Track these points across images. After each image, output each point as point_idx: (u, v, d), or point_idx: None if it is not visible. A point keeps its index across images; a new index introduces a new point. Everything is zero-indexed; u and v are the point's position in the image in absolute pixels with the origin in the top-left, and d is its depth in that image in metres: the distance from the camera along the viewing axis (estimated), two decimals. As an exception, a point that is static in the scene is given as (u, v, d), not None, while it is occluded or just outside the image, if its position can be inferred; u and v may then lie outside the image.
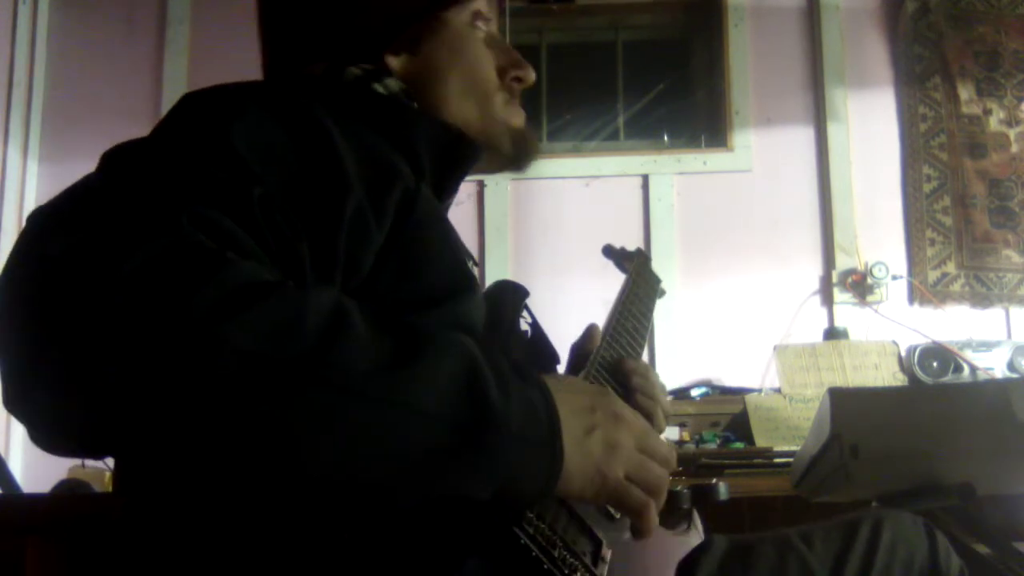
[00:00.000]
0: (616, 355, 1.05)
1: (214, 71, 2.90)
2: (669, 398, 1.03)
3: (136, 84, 2.93)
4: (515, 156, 1.01)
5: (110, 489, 2.07)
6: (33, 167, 2.87)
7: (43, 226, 0.63)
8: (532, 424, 0.66)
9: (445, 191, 0.92)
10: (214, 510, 0.67)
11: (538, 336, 1.01)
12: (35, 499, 1.50)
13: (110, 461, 2.22)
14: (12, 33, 2.86)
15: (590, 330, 1.11)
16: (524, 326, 1.00)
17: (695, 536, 0.98)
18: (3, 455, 2.27)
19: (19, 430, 2.68)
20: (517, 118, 1.00)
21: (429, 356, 0.62)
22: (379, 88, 0.91)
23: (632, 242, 2.94)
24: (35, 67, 2.91)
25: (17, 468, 2.58)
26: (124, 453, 0.70)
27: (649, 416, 0.98)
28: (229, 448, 0.58)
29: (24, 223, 0.65)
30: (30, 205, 2.85)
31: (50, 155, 2.89)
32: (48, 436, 0.60)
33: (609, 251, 1.38)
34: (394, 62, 0.94)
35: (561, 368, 1.06)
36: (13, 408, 0.59)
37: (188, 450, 0.58)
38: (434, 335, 0.64)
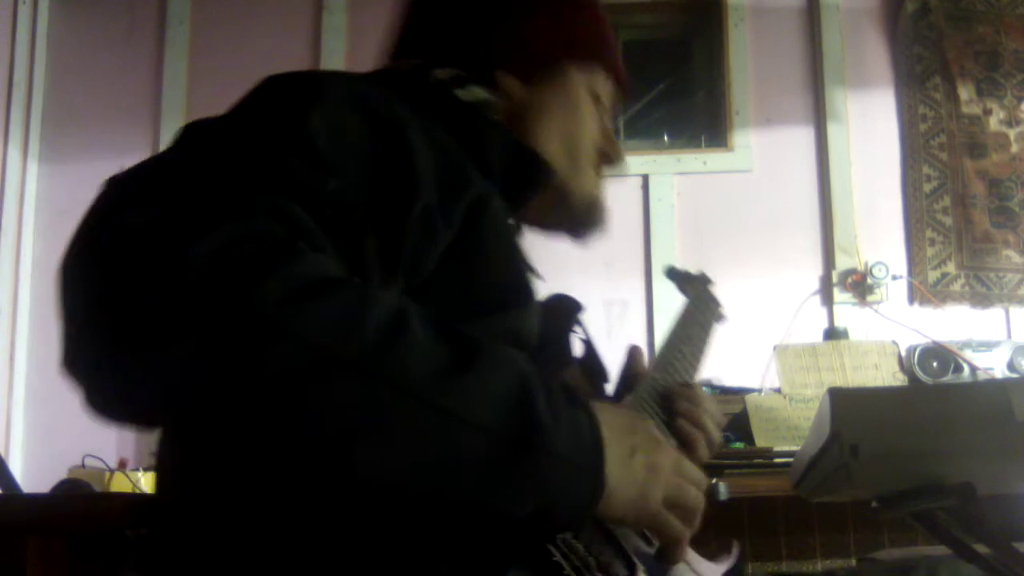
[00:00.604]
0: (669, 380, 1.02)
1: (214, 71, 2.90)
2: (722, 419, 1.00)
3: (136, 84, 2.93)
4: (582, 218, 1.02)
5: (110, 489, 2.07)
6: (33, 167, 2.87)
7: (123, 193, 0.63)
8: (578, 447, 0.66)
9: (513, 205, 0.92)
10: (259, 501, 0.67)
11: (590, 352, 1.00)
12: (35, 499, 1.50)
13: (111, 461, 2.22)
14: (12, 33, 2.86)
15: (632, 352, 1.08)
16: (577, 341, 1.00)
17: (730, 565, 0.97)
18: (3, 455, 2.27)
19: (19, 430, 2.68)
20: (598, 187, 1.02)
21: (484, 368, 0.62)
22: (461, 95, 0.91)
23: (632, 242, 2.93)
24: (35, 67, 2.91)
25: (17, 468, 2.58)
26: (176, 428, 0.70)
27: (690, 443, 0.94)
28: (281, 436, 0.58)
29: (101, 187, 0.65)
30: (30, 205, 2.85)
31: (50, 155, 2.89)
32: (104, 401, 0.61)
33: (672, 273, 1.38)
34: (505, 81, 0.95)
35: (610, 387, 1.04)
36: (72, 369, 0.60)
37: (240, 433, 0.59)
38: (490, 348, 0.64)
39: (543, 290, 0.93)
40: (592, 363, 0.99)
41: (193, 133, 0.73)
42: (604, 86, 1.02)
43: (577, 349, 1.00)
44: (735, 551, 0.97)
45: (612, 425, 0.70)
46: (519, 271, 0.84)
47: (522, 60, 0.96)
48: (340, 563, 0.66)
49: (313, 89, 0.74)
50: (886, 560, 0.99)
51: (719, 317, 1.29)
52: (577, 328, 1.00)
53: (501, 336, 0.77)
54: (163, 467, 0.79)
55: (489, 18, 0.97)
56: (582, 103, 0.99)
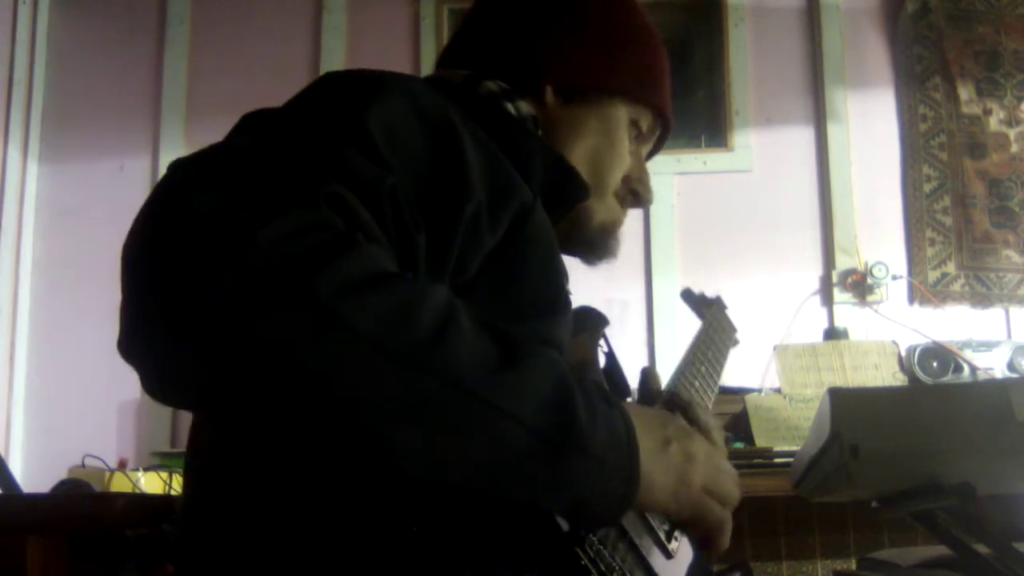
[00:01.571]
0: (688, 397, 1.02)
1: (214, 71, 2.90)
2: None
3: (136, 84, 2.93)
4: (595, 243, 1.03)
5: (110, 489, 2.07)
6: (33, 167, 2.87)
7: (190, 178, 0.64)
8: (613, 448, 0.67)
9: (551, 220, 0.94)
10: (296, 494, 0.68)
11: (613, 367, 1.01)
12: (35, 499, 1.50)
13: (111, 461, 2.22)
14: (12, 33, 2.86)
15: (646, 372, 1.08)
16: (600, 355, 1.00)
17: None
18: (3, 455, 2.27)
19: (19, 430, 2.68)
20: (617, 213, 1.03)
21: (528, 366, 0.64)
22: (510, 108, 0.93)
23: (632, 242, 2.94)
24: (35, 67, 2.92)
25: (17, 468, 2.58)
26: (231, 412, 0.70)
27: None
28: (330, 421, 0.59)
29: (166, 171, 0.66)
30: (30, 205, 2.85)
31: (50, 155, 2.89)
32: (162, 383, 0.62)
33: (688, 296, 1.38)
34: (550, 97, 0.97)
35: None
36: (129, 352, 0.61)
37: (292, 419, 0.60)
38: (533, 347, 0.66)
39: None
40: (615, 377, 1.00)
41: (255, 121, 0.74)
42: (648, 125, 1.04)
43: (601, 362, 1.01)
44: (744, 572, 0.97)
45: (644, 420, 0.72)
46: (557, 283, 0.85)
47: (571, 79, 0.98)
48: (367, 566, 0.67)
49: (373, 87, 0.75)
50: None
51: (734, 341, 1.30)
52: (602, 342, 1.01)
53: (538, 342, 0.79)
54: (199, 459, 0.79)
55: (548, 32, 0.99)
56: (619, 134, 1.01)
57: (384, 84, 0.76)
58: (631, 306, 2.73)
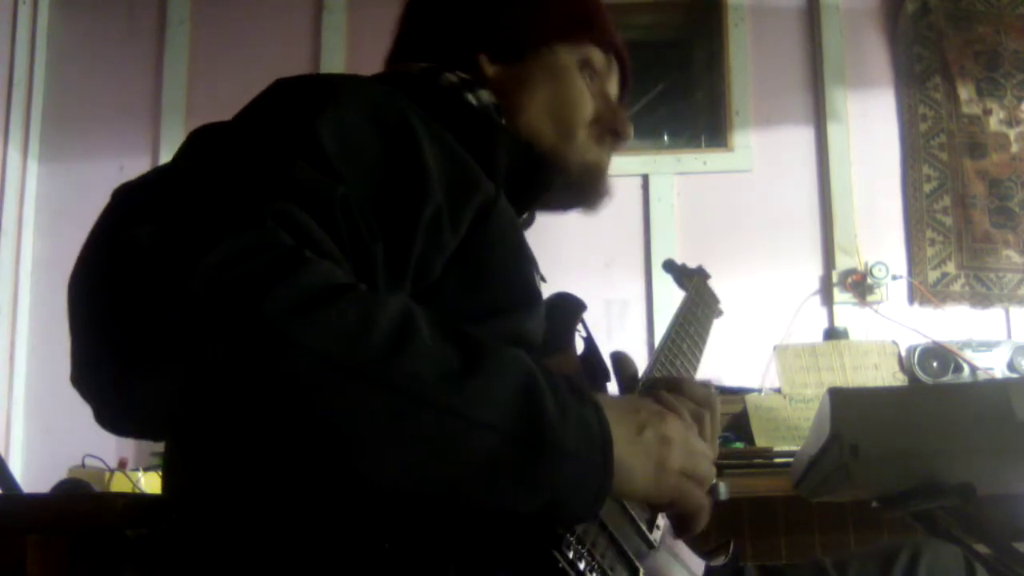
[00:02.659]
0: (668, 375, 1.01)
1: (214, 71, 2.90)
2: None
3: (136, 84, 2.93)
4: (582, 187, 1.02)
5: (110, 489, 2.07)
6: (33, 167, 2.87)
7: (132, 205, 0.63)
8: (586, 443, 0.65)
9: (518, 207, 0.92)
10: (267, 505, 0.68)
11: (591, 351, 1.00)
12: (35, 499, 1.50)
13: (111, 461, 2.22)
14: (12, 33, 2.86)
15: (619, 358, 1.05)
16: (579, 340, 1.00)
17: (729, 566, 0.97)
18: (3, 455, 2.27)
19: (19, 430, 2.68)
20: (594, 155, 1.01)
21: (490, 369, 0.63)
22: (471, 99, 0.92)
23: (632, 242, 2.93)
24: (35, 67, 2.91)
25: (17, 468, 2.58)
26: (186, 441, 0.70)
27: (698, 419, 0.94)
28: (292, 445, 0.58)
29: (110, 197, 0.65)
30: (30, 205, 2.85)
31: (50, 155, 2.89)
32: (115, 417, 0.61)
33: (670, 266, 1.36)
34: (487, 67, 0.96)
35: (611, 385, 1.03)
36: (81, 384, 0.60)
37: (252, 444, 0.59)
38: (496, 348, 0.65)
39: (546, 290, 0.92)
40: (594, 362, 0.99)
41: (201, 139, 0.73)
42: (600, 61, 1.02)
43: (579, 348, 1.01)
44: (731, 551, 0.97)
45: (616, 409, 0.71)
46: (524, 274, 0.84)
47: (501, 41, 0.97)
48: (346, 567, 0.66)
49: (324, 93, 0.74)
50: (873, 547, 0.99)
51: (717, 312, 1.29)
52: (580, 327, 1.00)
53: (506, 339, 0.77)
54: (170, 471, 0.79)
55: (469, 4, 0.98)
56: (569, 78, 0.99)
57: (336, 89, 0.75)
58: (631, 306, 2.73)
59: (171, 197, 0.63)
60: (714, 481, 0.78)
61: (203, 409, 0.57)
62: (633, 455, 0.69)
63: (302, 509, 0.66)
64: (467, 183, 0.78)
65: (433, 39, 0.98)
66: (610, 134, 1.02)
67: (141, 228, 0.60)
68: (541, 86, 0.98)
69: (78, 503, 1.30)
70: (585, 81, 1.01)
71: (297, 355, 0.56)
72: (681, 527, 0.77)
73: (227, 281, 0.57)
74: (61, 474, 2.09)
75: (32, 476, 2.52)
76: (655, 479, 0.71)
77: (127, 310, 0.57)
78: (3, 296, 2.73)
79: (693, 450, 0.75)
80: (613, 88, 1.06)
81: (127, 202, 0.64)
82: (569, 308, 1.00)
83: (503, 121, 0.94)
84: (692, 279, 1.31)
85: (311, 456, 0.59)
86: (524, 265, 0.85)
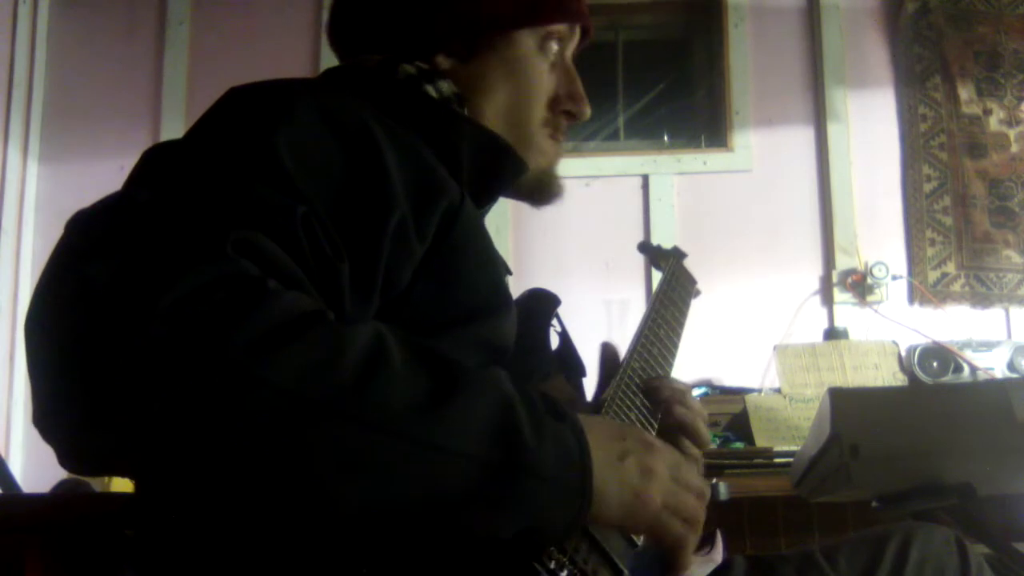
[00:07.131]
0: (648, 368, 0.99)
1: (214, 71, 2.90)
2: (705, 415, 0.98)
3: (136, 84, 2.93)
4: (534, 191, 0.99)
5: (110, 489, 2.07)
6: (33, 167, 2.87)
7: (84, 241, 0.61)
8: (565, 465, 0.64)
9: (483, 200, 0.90)
10: (239, 541, 0.66)
11: (566, 346, 0.98)
12: (35, 499, 1.50)
13: (110, 461, 2.22)
14: (12, 33, 2.86)
15: (605, 349, 1.05)
16: (554, 335, 0.99)
17: (717, 556, 0.97)
18: (3, 455, 2.27)
19: (19, 430, 2.68)
20: (545, 158, 0.98)
21: (465, 395, 0.61)
22: (430, 91, 0.89)
23: (632, 242, 2.93)
24: (35, 67, 2.91)
25: (17, 468, 2.58)
26: (152, 481, 0.69)
27: (685, 425, 0.93)
28: (261, 485, 0.57)
29: (64, 228, 0.63)
30: (30, 205, 2.85)
31: (50, 155, 2.89)
32: (75, 458, 0.60)
33: (645, 247, 1.33)
34: (445, 63, 0.92)
35: (588, 380, 1.02)
36: (42, 427, 0.59)
37: (220, 486, 0.58)
38: (470, 372, 0.63)
39: (518, 285, 0.91)
40: (568, 358, 0.98)
41: (154, 162, 0.70)
42: (562, 31, 0.97)
43: (554, 344, 1.00)
44: (719, 544, 0.97)
45: (599, 433, 0.69)
46: (493, 278, 0.82)
47: (459, 39, 0.93)
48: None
49: (280, 105, 0.72)
50: (863, 534, 0.99)
51: (695, 293, 1.26)
52: (554, 323, 0.99)
53: (478, 345, 0.77)
54: (141, 504, 0.78)
55: (421, 4, 0.93)
56: (530, 67, 0.95)
57: (292, 100, 0.73)
58: (631, 306, 2.73)
59: (124, 230, 0.61)
60: (714, 483, 0.78)
61: (172, 455, 0.56)
62: (609, 482, 0.68)
63: (278, 540, 0.65)
64: (432, 189, 0.76)
65: (388, 28, 0.94)
66: (565, 117, 0.98)
67: (94, 266, 0.58)
68: (499, 85, 0.94)
69: (78, 503, 1.30)
70: (545, 58, 0.96)
71: (265, 394, 0.55)
72: (662, 561, 0.75)
73: (187, 321, 0.55)
74: (61, 474, 2.08)
75: (32, 476, 2.52)
76: (630, 509, 0.69)
77: (85, 359, 0.56)
78: (3, 296, 2.73)
79: (682, 486, 0.73)
80: (572, 45, 1.01)
81: (80, 236, 0.62)
82: (542, 304, 0.98)
83: (465, 111, 0.91)
84: (668, 260, 1.28)
85: (285, 493, 0.58)
86: (492, 268, 0.83)
